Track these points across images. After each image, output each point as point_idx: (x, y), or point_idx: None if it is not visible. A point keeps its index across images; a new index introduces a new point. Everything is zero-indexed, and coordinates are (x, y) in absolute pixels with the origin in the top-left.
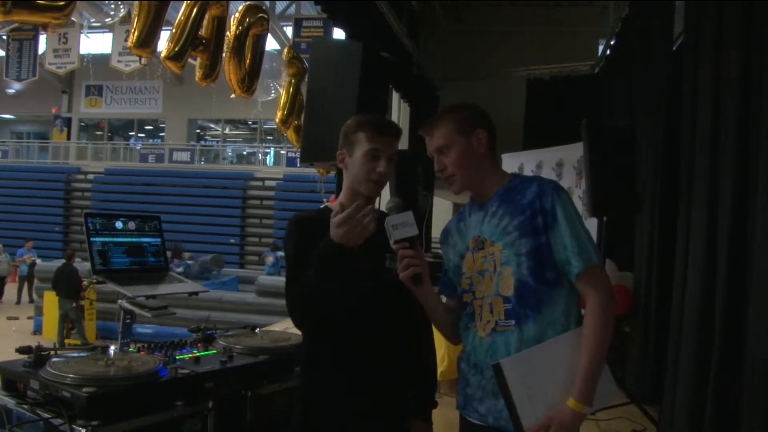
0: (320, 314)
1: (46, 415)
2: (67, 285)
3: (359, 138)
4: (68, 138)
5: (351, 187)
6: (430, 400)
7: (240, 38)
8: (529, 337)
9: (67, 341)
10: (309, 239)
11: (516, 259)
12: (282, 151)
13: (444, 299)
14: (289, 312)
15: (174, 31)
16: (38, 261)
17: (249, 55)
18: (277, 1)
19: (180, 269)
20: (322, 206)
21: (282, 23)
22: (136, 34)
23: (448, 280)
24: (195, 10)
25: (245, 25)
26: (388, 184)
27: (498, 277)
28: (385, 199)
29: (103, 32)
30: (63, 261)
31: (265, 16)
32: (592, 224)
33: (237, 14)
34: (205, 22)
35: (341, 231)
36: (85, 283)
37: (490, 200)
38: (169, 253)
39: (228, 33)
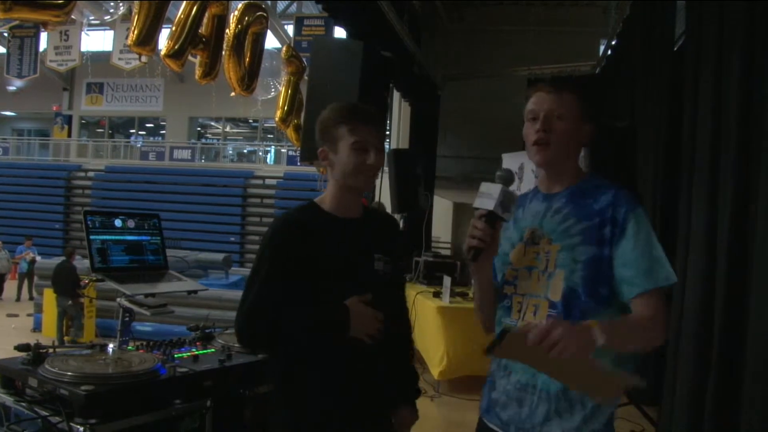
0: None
1: (44, 413)
2: (65, 282)
3: (341, 132)
4: (69, 135)
5: (339, 182)
6: (415, 389)
7: (239, 37)
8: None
9: (66, 338)
10: (299, 244)
11: (572, 264)
12: (282, 150)
13: None
14: (239, 319)
15: (174, 29)
16: (38, 258)
17: (248, 54)
18: (278, 0)
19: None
20: (308, 202)
21: (283, 22)
22: (136, 32)
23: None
24: (195, 9)
25: (244, 23)
26: (388, 184)
27: (548, 279)
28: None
29: (105, 30)
30: (63, 258)
31: (264, 14)
32: None
33: (236, 12)
34: (205, 21)
35: (361, 330)
36: (86, 280)
37: (559, 194)
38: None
39: (227, 31)
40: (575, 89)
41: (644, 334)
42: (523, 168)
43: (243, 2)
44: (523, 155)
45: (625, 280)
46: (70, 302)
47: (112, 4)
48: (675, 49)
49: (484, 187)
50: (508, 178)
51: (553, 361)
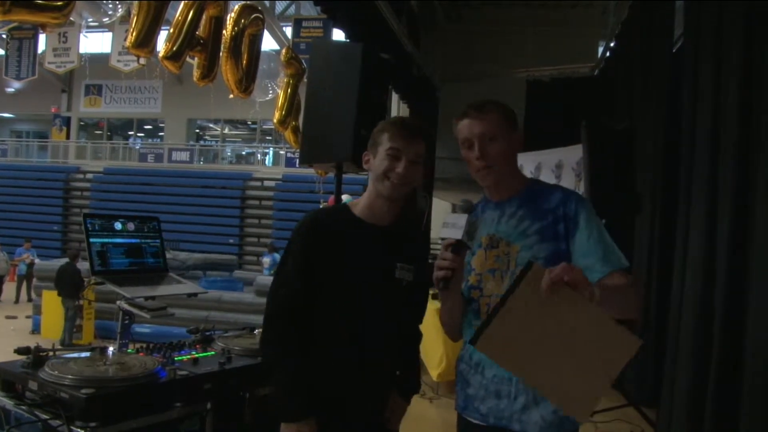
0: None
1: (44, 416)
2: (69, 284)
3: (383, 139)
4: (67, 137)
5: (373, 188)
6: (415, 385)
7: (236, 39)
8: None
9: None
10: (321, 244)
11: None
12: (281, 152)
13: None
14: (269, 315)
15: (171, 31)
16: (36, 260)
17: (246, 56)
18: (276, 1)
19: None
20: (342, 204)
21: (282, 23)
22: (134, 33)
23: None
24: (192, 10)
25: (241, 25)
26: None
27: (511, 278)
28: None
29: (104, 32)
30: (66, 260)
31: (261, 16)
32: None
33: (232, 15)
34: (202, 22)
35: None
36: (91, 281)
37: (509, 201)
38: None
39: (224, 33)
40: (496, 107)
41: (618, 298)
42: (522, 169)
43: (239, 4)
44: (522, 157)
45: (586, 267)
46: (77, 302)
47: (110, 6)
48: (673, 50)
49: (449, 217)
50: (468, 209)
51: (533, 362)
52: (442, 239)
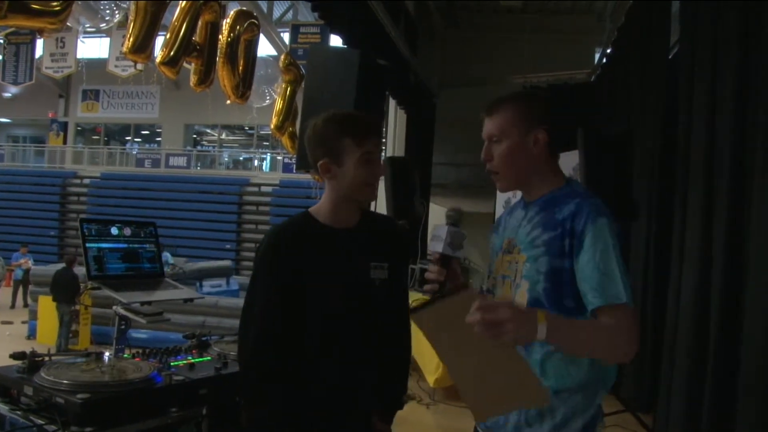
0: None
1: (39, 422)
2: (66, 290)
3: (345, 144)
4: (64, 142)
5: (342, 195)
6: (398, 404)
7: (232, 45)
8: (533, 361)
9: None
10: (286, 258)
11: (535, 275)
12: (278, 157)
13: None
14: (243, 348)
15: (168, 36)
16: (32, 265)
17: (242, 61)
18: (274, 7)
19: None
20: (302, 213)
21: (279, 29)
22: (131, 39)
23: None
24: (188, 16)
25: (237, 31)
26: (383, 191)
27: (516, 290)
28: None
29: (101, 37)
30: (62, 265)
31: (256, 21)
32: None
33: (228, 21)
34: (198, 28)
35: None
36: (88, 287)
37: (534, 203)
38: None
39: (220, 39)
40: (512, 103)
41: (608, 342)
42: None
43: (235, 10)
44: None
45: (583, 294)
46: (74, 308)
47: (107, 11)
48: (669, 56)
49: (435, 230)
50: (456, 218)
51: (474, 350)
52: (430, 253)
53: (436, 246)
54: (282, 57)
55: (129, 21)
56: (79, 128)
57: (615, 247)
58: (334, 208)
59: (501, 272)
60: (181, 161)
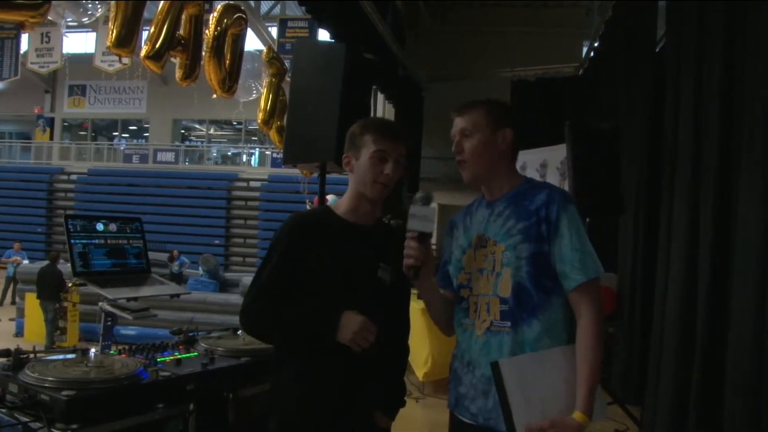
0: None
1: (24, 419)
2: (50, 286)
3: (365, 141)
4: (51, 138)
5: (357, 190)
6: (401, 401)
7: (219, 39)
8: (524, 339)
9: (57, 345)
10: (306, 245)
11: (516, 262)
12: (267, 152)
13: (441, 291)
14: (244, 313)
15: (152, 30)
16: (26, 262)
17: (228, 56)
18: (261, 1)
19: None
20: (323, 205)
21: (267, 23)
22: (114, 33)
23: (446, 272)
24: (172, 9)
25: (223, 25)
26: None
27: (497, 278)
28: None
29: (87, 31)
30: (47, 262)
31: (243, 15)
32: None
33: (215, 15)
34: (183, 22)
35: (348, 338)
36: (71, 285)
37: (499, 200)
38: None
39: (206, 33)
40: (483, 104)
41: (598, 340)
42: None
43: (222, 4)
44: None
45: (563, 274)
46: (57, 305)
47: (90, 5)
48: (656, 50)
49: (413, 209)
50: (429, 197)
51: None
52: (408, 230)
53: (422, 226)
54: (265, 50)
55: (111, 15)
56: (65, 124)
57: (583, 228)
58: (352, 203)
59: (476, 266)
60: (169, 156)
